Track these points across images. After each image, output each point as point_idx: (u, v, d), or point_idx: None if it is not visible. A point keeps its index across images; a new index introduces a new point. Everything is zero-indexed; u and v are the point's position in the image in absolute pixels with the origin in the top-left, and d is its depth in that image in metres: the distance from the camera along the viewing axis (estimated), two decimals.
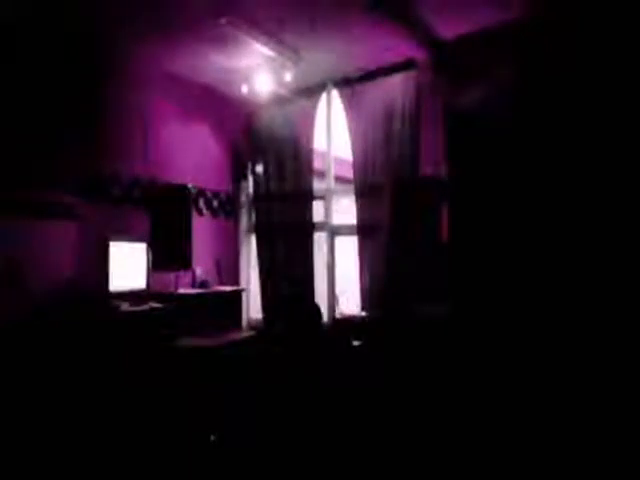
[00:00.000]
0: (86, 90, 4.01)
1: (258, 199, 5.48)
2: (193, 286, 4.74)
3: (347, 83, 4.79)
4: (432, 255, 4.16)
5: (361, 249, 4.71)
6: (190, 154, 4.99)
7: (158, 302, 3.99)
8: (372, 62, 4.49)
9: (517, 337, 3.49)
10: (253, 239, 5.55)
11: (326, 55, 4.37)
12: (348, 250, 5.02)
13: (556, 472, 2.90)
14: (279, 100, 5.02)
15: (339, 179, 5.33)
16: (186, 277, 4.72)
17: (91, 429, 3.18)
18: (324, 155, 5.09)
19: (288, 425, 3.48)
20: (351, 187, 4.81)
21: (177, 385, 3.74)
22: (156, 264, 4.30)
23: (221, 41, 4.06)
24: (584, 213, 3.42)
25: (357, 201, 4.74)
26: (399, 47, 4.18)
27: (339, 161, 5.28)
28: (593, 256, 3.35)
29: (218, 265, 5.14)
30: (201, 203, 5.11)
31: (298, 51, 4.27)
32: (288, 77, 4.40)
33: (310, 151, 5.09)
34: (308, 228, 5.09)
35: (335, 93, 4.94)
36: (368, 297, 4.61)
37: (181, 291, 4.51)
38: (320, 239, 5.20)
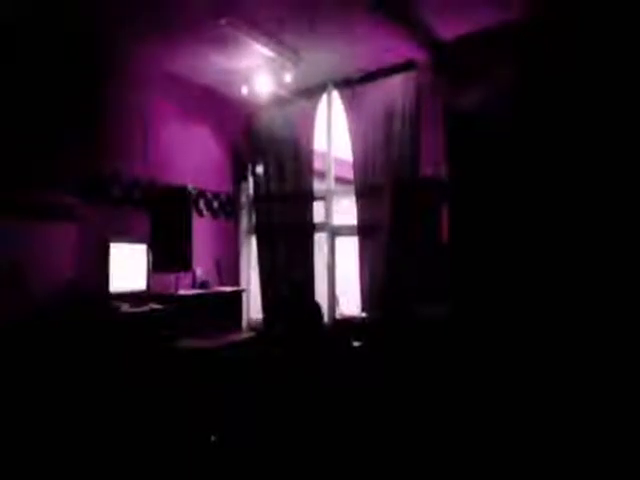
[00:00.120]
0: (86, 90, 4.01)
1: (258, 200, 5.48)
2: (193, 287, 4.74)
3: (347, 84, 4.79)
4: (432, 256, 4.16)
5: (361, 250, 4.71)
6: (190, 155, 4.99)
7: (158, 303, 3.99)
8: (372, 63, 4.50)
9: (517, 337, 3.49)
10: (253, 240, 5.55)
11: (326, 56, 4.37)
12: (349, 251, 5.02)
13: (556, 471, 2.90)
14: (279, 101, 5.02)
15: (339, 180, 5.33)
16: (186, 278, 4.72)
17: (92, 430, 3.18)
18: (324, 156, 5.09)
19: (288, 425, 3.47)
20: (351, 188, 4.81)
21: (177, 386, 3.73)
22: (156, 265, 4.29)
23: (221, 42, 4.06)
24: (584, 213, 3.41)
25: (357, 202, 4.73)
26: (399, 48, 4.18)
27: (339, 162, 5.28)
28: (592, 255, 3.34)
29: (218, 266, 5.13)
30: (201, 204, 5.10)
31: (298, 52, 4.27)
32: (288, 78, 4.40)
33: (310, 152, 5.09)
34: (308, 229, 5.08)
35: (335, 94, 4.94)
36: (368, 298, 4.61)
37: (181, 292, 4.50)
38: (320, 240, 5.19)
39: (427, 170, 4.30)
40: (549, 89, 3.58)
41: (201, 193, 5.09)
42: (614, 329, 3.20)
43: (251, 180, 5.58)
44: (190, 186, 4.85)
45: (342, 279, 5.13)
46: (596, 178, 3.37)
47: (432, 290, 4.01)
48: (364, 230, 4.68)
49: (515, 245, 3.67)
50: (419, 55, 4.27)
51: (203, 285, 4.77)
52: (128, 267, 3.99)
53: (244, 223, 5.65)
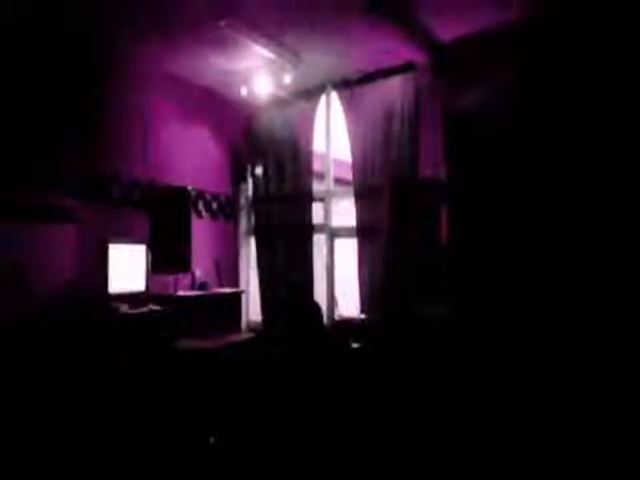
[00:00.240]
0: (86, 91, 4.00)
1: (257, 201, 5.48)
2: (192, 288, 4.73)
3: (346, 85, 4.80)
4: (431, 257, 4.16)
5: (360, 251, 4.71)
6: (190, 156, 4.99)
7: (157, 304, 3.98)
8: (371, 64, 4.50)
9: (516, 338, 3.49)
10: (252, 241, 5.54)
11: (325, 57, 4.38)
12: (348, 252, 5.01)
13: (556, 471, 2.90)
14: (278, 102, 5.03)
15: (338, 181, 5.33)
16: (185, 279, 4.71)
17: (91, 430, 3.17)
18: (323, 157, 5.09)
19: (287, 427, 3.47)
20: (350, 189, 4.81)
21: (177, 387, 3.73)
22: (155, 266, 4.29)
23: (221, 43, 4.07)
24: (582, 214, 3.42)
25: (356, 203, 4.74)
26: (398, 49, 4.19)
27: (338, 163, 5.29)
28: (591, 254, 3.35)
29: (217, 267, 5.13)
30: (200, 205, 5.10)
31: (298, 53, 4.28)
32: (287, 79, 4.40)
33: (309, 153, 5.09)
34: (307, 230, 5.08)
35: (334, 95, 4.95)
36: (367, 299, 4.61)
37: (180, 293, 4.50)
38: (320, 241, 5.19)
39: (426, 171, 4.31)
40: (548, 90, 3.59)
41: (200, 194, 5.09)
42: (612, 327, 3.21)
43: (250, 181, 5.58)
44: (189, 187, 4.85)
45: (341, 280, 5.13)
46: (595, 179, 3.37)
47: (431, 291, 4.01)
48: (363, 231, 4.68)
49: (514, 246, 3.68)
50: (418, 56, 4.27)
51: (202, 286, 4.76)
52: (127, 268, 3.98)
53: (243, 224, 5.65)
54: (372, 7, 3.53)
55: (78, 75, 3.94)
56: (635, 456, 2.84)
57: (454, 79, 4.10)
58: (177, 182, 4.75)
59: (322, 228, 5.07)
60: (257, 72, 4.47)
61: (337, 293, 5.01)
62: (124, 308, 3.72)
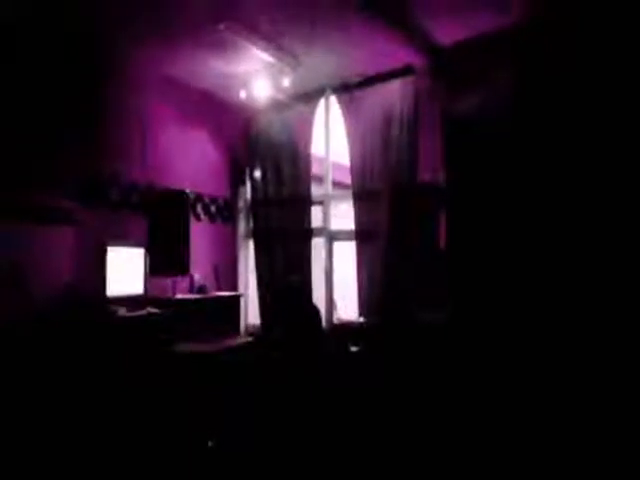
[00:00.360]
0: (85, 93, 4.00)
1: (256, 204, 5.48)
2: (191, 291, 4.72)
3: (345, 89, 4.80)
4: (430, 260, 4.16)
5: (359, 254, 4.71)
6: (188, 159, 4.99)
7: (156, 307, 3.98)
8: (370, 68, 4.51)
9: (515, 341, 3.49)
10: (251, 244, 5.54)
11: (324, 61, 4.38)
12: (346, 255, 5.01)
13: (555, 473, 2.89)
14: (277, 105, 5.03)
15: (337, 184, 5.33)
16: (184, 282, 4.71)
17: (89, 433, 3.16)
18: (322, 160, 5.10)
19: (286, 430, 3.46)
20: (349, 192, 4.81)
21: (175, 390, 3.72)
22: (154, 269, 4.28)
23: (220, 46, 4.07)
24: (581, 218, 3.42)
25: (355, 206, 4.74)
26: (397, 53, 4.20)
27: (337, 166, 5.29)
28: (590, 258, 3.35)
29: (216, 270, 5.12)
30: (199, 208, 5.10)
31: (297, 56, 4.28)
32: (286, 82, 4.41)
33: (308, 156, 5.10)
34: (306, 233, 5.08)
35: (333, 99, 4.96)
36: (366, 302, 4.60)
37: (179, 296, 4.49)
38: (319, 244, 5.19)
39: (425, 175, 4.31)
40: (547, 94, 3.60)
41: (199, 197, 5.09)
42: (611, 331, 3.21)
43: (249, 184, 5.57)
44: (188, 190, 4.85)
45: (340, 284, 5.13)
46: (594, 180, 3.38)
47: (430, 295, 4.01)
48: (362, 235, 4.68)
49: (513, 250, 3.68)
50: (417, 60, 4.28)
51: (201, 290, 4.75)
52: (125, 271, 3.97)
53: (242, 227, 5.64)
54: (362, 5, 3.52)
55: (77, 77, 3.94)
56: (635, 456, 2.84)
57: (453, 83, 4.11)
58: (176, 185, 4.75)
59: (321, 231, 5.07)
60: (256, 75, 4.47)
61: (336, 296, 5.00)
62: (122, 311, 3.71)
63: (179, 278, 4.63)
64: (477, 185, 3.94)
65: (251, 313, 5.54)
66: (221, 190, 5.42)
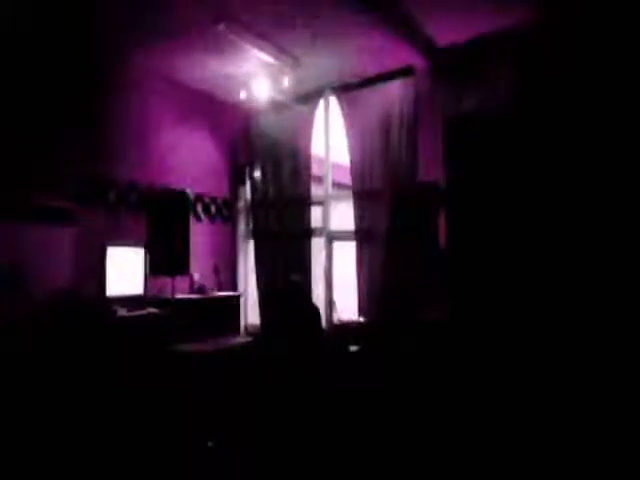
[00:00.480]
0: (85, 93, 4.01)
1: (256, 204, 5.48)
2: (191, 291, 4.73)
3: (345, 89, 4.81)
4: (430, 260, 4.16)
5: (359, 254, 4.71)
6: (188, 159, 4.99)
7: (155, 307, 3.98)
8: (370, 68, 4.51)
9: (516, 340, 3.49)
10: (251, 244, 5.54)
11: (324, 61, 4.39)
12: (346, 255, 5.01)
13: (555, 472, 2.89)
14: (277, 106, 5.03)
15: (337, 185, 5.33)
16: (184, 282, 4.71)
17: (89, 433, 3.16)
18: (322, 161, 5.10)
19: (287, 429, 3.46)
20: (349, 192, 4.81)
21: (174, 390, 3.72)
22: (153, 269, 4.28)
23: (220, 47, 4.07)
24: (581, 218, 3.43)
25: (355, 206, 4.74)
26: (397, 54, 4.20)
27: (337, 167, 5.29)
28: (589, 258, 3.36)
29: (216, 270, 5.12)
30: (199, 208, 5.10)
31: (296, 57, 4.28)
32: (286, 83, 4.41)
33: (308, 156, 5.10)
34: (306, 233, 5.08)
35: (333, 99, 4.96)
36: (366, 302, 4.61)
37: (179, 296, 4.49)
38: (319, 244, 5.19)
39: (425, 175, 4.31)
40: (547, 95, 3.60)
41: (199, 197, 5.09)
42: (611, 329, 3.21)
43: (249, 184, 5.58)
44: (188, 190, 4.85)
45: (340, 283, 5.12)
46: (594, 180, 3.38)
47: (430, 294, 4.01)
48: (362, 235, 4.69)
49: (512, 249, 3.68)
50: (417, 61, 4.29)
51: (200, 289, 4.76)
52: (125, 271, 3.98)
53: (242, 227, 5.65)
54: None
55: (77, 77, 3.95)
56: (635, 456, 2.84)
57: (453, 83, 4.11)
58: (176, 185, 4.75)
59: (321, 231, 5.07)
60: (256, 76, 4.47)
61: (335, 296, 5.00)
62: (122, 311, 3.72)
63: (179, 278, 4.63)
64: (477, 185, 3.94)
65: (251, 313, 5.54)
66: (221, 190, 5.42)
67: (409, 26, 3.81)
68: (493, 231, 3.82)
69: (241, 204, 5.64)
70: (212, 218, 5.28)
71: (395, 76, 4.49)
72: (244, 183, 5.61)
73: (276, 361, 3.89)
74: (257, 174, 5.44)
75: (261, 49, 4.03)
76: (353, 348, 4.05)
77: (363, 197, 4.69)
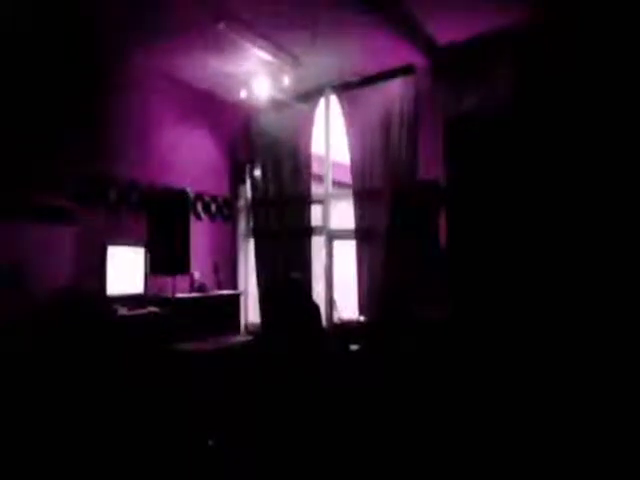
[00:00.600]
0: (85, 92, 4.01)
1: (256, 203, 5.48)
2: (191, 290, 4.73)
3: (345, 88, 4.80)
4: (430, 259, 4.17)
5: (359, 253, 4.72)
6: (188, 158, 4.99)
7: (156, 306, 3.99)
8: (370, 67, 4.51)
9: (516, 339, 3.50)
10: (251, 243, 5.55)
11: (324, 60, 4.38)
12: (346, 254, 5.01)
13: (555, 472, 2.90)
14: (277, 104, 5.03)
15: (337, 183, 5.33)
16: (184, 281, 4.71)
17: (89, 432, 3.17)
18: (322, 159, 5.10)
19: (287, 428, 3.47)
20: (349, 191, 4.81)
21: (175, 389, 3.72)
22: (154, 268, 4.28)
23: (220, 46, 4.07)
24: (581, 217, 3.43)
25: (355, 205, 4.74)
26: (398, 52, 4.20)
27: (337, 165, 5.29)
28: (589, 257, 3.36)
29: (216, 269, 5.13)
30: (199, 207, 5.11)
31: (297, 56, 4.28)
32: (286, 82, 4.40)
33: (308, 155, 5.10)
34: (306, 232, 5.09)
35: (333, 98, 4.95)
36: (366, 301, 4.61)
37: (179, 295, 4.50)
38: (319, 243, 5.19)
39: (425, 174, 4.31)
40: (547, 93, 3.60)
41: (199, 196, 5.09)
42: (611, 328, 3.22)
43: (249, 183, 5.58)
44: (188, 189, 4.84)
45: (340, 282, 5.13)
46: (593, 179, 3.38)
47: (430, 293, 4.01)
48: (362, 233, 4.69)
49: (513, 248, 3.68)
50: (418, 59, 4.28)
51: (201, 288, 4.76)
52: (126, 270, 3.98)
53: (242, 226, 5.65)
54: None
55: (78, 77, 3.95)
56: (635, 456, 2.85)
57: (453, 82, 4.10)
58: (176, 184, 4.74)
59: (321, 230, 5.07)
60: (256, 74, 4.46)
61: (336, 295, 5.00)
62: (123, 310, 3.72)
63: (179, 277, 4.63)
64: (477, 184, 3.94)
65: (251, 312, 5.55)
66: (221, 189, 5.42)
67: (410, 25, 3.81)
68: (493, 230, 3.82)
69: (241, 203, 5.64)
70: (212, 217, 5.28)
71: (395, 75, 4.49)
72: (244, 182, 5.61)
73: (276, 359, 3.90)
74: (257, 173, 5.44)
75: (261, 48, 4.03)
76: (353, 347, 4.05)
77: (363, 196, 4.69)
